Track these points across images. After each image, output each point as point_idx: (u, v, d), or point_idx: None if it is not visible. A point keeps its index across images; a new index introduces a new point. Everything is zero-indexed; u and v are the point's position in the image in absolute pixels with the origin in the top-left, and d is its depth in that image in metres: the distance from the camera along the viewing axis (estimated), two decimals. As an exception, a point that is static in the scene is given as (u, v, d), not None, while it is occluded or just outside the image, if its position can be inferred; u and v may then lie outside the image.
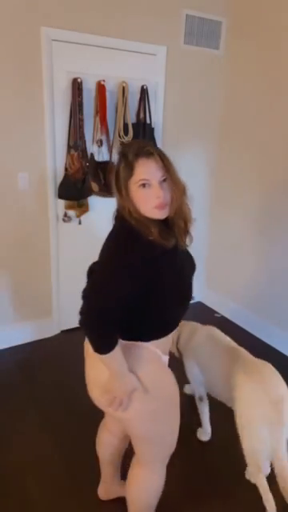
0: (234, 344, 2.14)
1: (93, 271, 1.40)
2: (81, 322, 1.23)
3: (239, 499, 1.94)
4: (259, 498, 1.73)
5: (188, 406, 2.32)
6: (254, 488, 1.77)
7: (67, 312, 3.25)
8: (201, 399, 2.23)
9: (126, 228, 1.30)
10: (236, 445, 1.79)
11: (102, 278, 1.27)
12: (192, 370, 2.19)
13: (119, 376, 1.33)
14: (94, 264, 1.41)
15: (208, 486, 2.02)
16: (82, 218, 3.05)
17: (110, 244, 1.37)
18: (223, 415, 2.01)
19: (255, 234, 3.29)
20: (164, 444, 1.53)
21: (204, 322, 2.35)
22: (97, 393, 1.47)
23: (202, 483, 2.03)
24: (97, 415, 2.44)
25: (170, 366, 1.56)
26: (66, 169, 2.86)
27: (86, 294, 1.26)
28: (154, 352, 1.42)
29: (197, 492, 1.98)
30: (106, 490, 1.91)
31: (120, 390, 1.34)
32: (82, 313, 1.23)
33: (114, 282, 1.24)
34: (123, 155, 1.32)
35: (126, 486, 1.62)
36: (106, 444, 1.83)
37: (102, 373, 1.35)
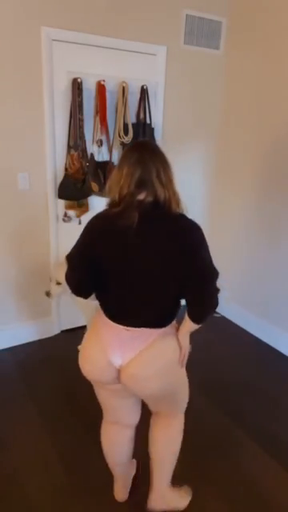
0: None
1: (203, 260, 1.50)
2: (215, 303, 1.54)
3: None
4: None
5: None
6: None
7: (67, 312, 3.25)
8: None
9: (180, 213, 1.48)
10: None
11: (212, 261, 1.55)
12: None
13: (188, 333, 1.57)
14: (196, 256, 1.46)
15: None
16: (82, 217, 3.05)
17: (189, 231, 1.46)
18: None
19: (255, 234, 3.29)
20: (187, 390, 1.72)
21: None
22: (158, 382, 1.53)
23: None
24: (97, 415, 2.44)
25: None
26: (65, 169, 2.86)
27: (214, 278, 1.54)
28: None
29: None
30: (125, 489, 1.90)
31: (187, 345, 1.58)
32: (215, 299, 1.54)
33: None
34: None
35: (157, 447, 1.76)
36: (126, 441, 1.79)
37: (165, 353, 1.53)
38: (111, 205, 1.47)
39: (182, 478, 2.03)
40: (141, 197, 1.43)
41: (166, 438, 1.76)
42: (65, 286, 2.20)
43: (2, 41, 2.47)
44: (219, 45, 3.25)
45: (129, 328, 1.50)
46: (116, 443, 1.78)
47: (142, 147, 1.54)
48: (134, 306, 1.51)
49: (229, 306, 3.61)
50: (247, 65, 3.16)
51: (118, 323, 1.51)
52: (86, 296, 1.61)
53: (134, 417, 1.77)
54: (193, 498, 1.93)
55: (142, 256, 1.43)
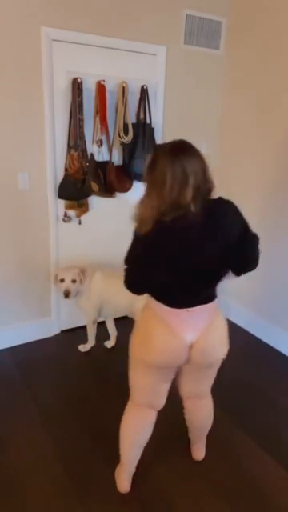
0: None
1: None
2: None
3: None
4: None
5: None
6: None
7: (67, 312, 3.25)
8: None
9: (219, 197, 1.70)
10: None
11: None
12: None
13: None
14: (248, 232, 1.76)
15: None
16: (82, 217, 3.05)
17: (235, 210, 1.73)
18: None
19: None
20: None
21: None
22: (223, 349, 1.77)
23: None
24: (97, 415, 2.44)
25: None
26: (65, 169, 2.86)
27: (258, 239, 1.78)
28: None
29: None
30: (130, 477, 1.99)
31: None
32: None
33: None
34: None
35: (204, 421, 2.05)
36: (152, 423, 1.91)
37: (223, 322, 1.79)
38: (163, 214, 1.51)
39: (183, 478, 2.04)
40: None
41: (210, 411, 2.05)
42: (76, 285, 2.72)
43: (2, 41, 2.47)
44: (219, 45, 3.25)
45: (188, 309, 1.65)
46: (143, 426, 1.90)
47: (178, 152, 1.57)
48: (196, 288, 1.68)
49: (229, 306, 3.60)
50: (247, 65, 3.16)
51: (179, 307, 1.65)
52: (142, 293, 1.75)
53: (164, 401, 1.91)
54: (193, 498, 1.93)
55: (208, 244, 1.59)
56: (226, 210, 1.67)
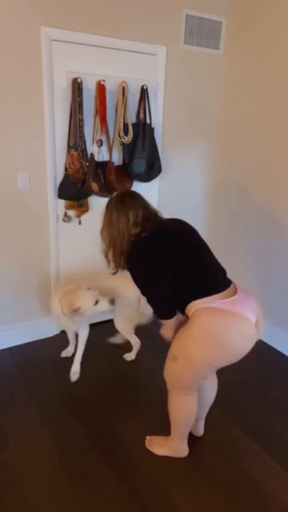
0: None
1: None
2: None
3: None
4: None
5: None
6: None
7: (67, 312, 3.25)
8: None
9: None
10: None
11: None
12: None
13: None
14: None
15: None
16: (82, 217, 3.05)
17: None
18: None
19: (255, 234, 3.29)
20: None
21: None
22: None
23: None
24: (97, 415, 2.45)
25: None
26: (65, 169, 2.86)
27: None
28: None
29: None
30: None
31: None
32: None
33: None
34: None
35: (213, 394, 2.21)
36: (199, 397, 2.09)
37: None
38: (141, 232, 1.89)
39: (183, 479, 2.04)
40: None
41: (216, 385, 2.23)
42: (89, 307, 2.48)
43: (1, 41, 2.47)
44: (219, 45, 3.25)
45: (235, 292, 1.88)
46: (197, 404, 2.05)
47: (124, 196, 2.01)
48: (219, 269, 1.96)
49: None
50: (247, 65, 3.16)
51: (224, 290, 1.85)
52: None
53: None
54: (193, 499, 1.93)
55: (193, 238, 1.95)
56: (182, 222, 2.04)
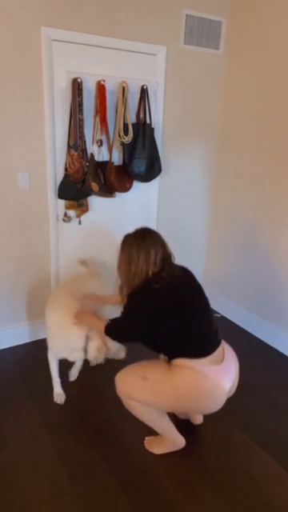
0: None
1: None
2: None
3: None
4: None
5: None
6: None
7: (67, 312, 3.25)
8: None
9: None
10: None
11: None
12: None
13: None
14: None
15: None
16: (82, 217, 3.05)
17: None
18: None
19: (255, 234, 3.29)
20: None
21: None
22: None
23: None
24: (96, 414, 2.45)
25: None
26: (65, 169, 2.86)
27: None
28: None
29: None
30: (177, 432, 2.23)
31: None
32: None
33: None
34: None
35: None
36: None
37: None
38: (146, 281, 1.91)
39: (183, 479, 2.04)
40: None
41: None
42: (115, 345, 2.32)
43: (1, 41, 2.47)
44: (219, 45, 3.25)
45: (215, 354, 1.95)
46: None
47: (144, 233, 2.00)
48: (211, 330, 2.01)
49: (229, 306, 3.61)
50: (247, 65, 3.16)
51: (211, 354, 1.93)
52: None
53: None
54: (193, 499, 1.93)
55: (195, 296, 2.01)
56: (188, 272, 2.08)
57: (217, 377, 1.88)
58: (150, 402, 1.97)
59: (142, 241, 1.92)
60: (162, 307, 1.87)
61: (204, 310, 2.01)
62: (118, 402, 2.03)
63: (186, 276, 2.03)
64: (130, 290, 1.93)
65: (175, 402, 1.93)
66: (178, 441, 2.15)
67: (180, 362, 1.91)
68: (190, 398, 1.91)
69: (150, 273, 1.88)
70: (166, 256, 1.96)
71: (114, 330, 2.04)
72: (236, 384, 2.04)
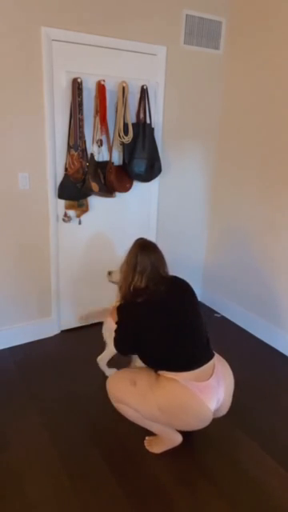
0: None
1: None
2: None
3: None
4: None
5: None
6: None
7: (67, 312, 3.25)
8: None
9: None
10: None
11: None
12: None
13: None
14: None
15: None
16: (82, 217, 3.05)
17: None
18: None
19: (255, 234, 3.29)
20: None
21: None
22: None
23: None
24: (96, 414, 2.45)
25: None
26: (65, 169, 2.86)
27: None
28: None
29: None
30: (174, 431, 2.21)
31: None
32: None
33: None
34: None
35: None
36: None
37: None
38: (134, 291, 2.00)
39: (183, 478, 2.04)
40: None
41: None
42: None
43: (2, 41, 2.47)
44: (219, 45, 3.25)
45: (203, 369, 1.97)
46: None
47: (144, 247, 2.08)
48: (199, 344, 2.04)
49: (229, 306, 3.61)
50: (247, 65, 3.16)
51: (198, 368, 1.95)
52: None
53: None
54: (193, 499, 1.93)
55: (183, 308, 2.04)
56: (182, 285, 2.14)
57: (200, 393, 1.89)
58: (137, 408, 2.00)
59: (143, 251, 2.05)
60: (142, 320, 1.97)
61: (189, 326, 2.02)
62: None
63: (175, 291, 2.07)
64: (121, 293, 2.07)
65: (159, 412, 1.94)
66: (174, 438, 2.14)
67: (165, 373, 1.97)
68: (171, 408, 1.93)
69: (134, 284, 1.99)
70: (155, 276, 2.02)
71: (114, 339, 2.14)
72: (227, 405, 2.07)
